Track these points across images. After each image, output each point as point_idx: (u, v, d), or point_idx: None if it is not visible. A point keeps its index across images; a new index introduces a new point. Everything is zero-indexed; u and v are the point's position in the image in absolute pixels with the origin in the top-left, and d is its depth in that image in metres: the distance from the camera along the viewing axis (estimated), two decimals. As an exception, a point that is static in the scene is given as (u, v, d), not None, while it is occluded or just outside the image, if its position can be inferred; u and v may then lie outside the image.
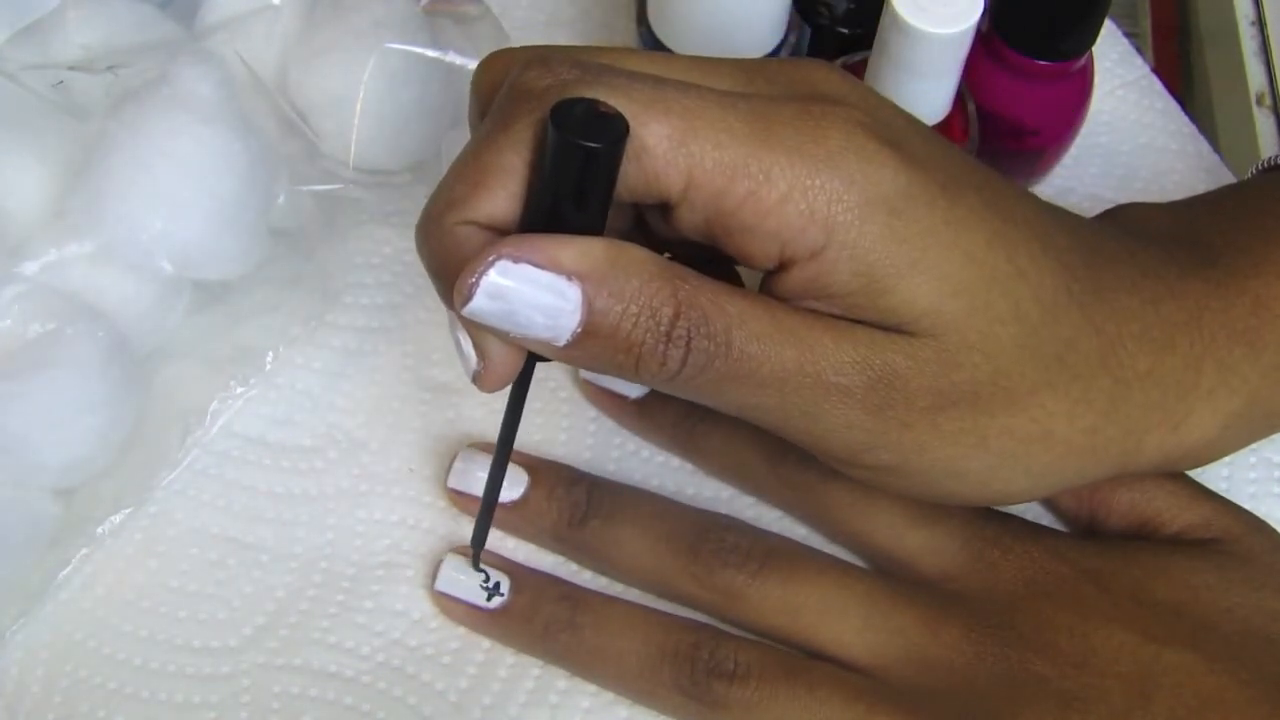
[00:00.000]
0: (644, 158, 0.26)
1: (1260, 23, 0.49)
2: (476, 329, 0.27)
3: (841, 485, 0.36)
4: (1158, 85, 0.47)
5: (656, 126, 0.26)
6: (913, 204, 0.27)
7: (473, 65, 0.40)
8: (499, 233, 0.27)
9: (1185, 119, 0.46)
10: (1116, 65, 0.47)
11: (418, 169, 0.42)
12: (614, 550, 0.36)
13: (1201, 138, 0.45)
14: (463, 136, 0.41)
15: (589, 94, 0.26)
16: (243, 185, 0.37)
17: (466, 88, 0.41)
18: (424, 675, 0.36)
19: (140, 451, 0.38)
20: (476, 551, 0.35)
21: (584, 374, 0.39)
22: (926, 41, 0.34)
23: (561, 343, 0.26)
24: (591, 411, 0.40)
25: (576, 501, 0.36)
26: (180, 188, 0.36)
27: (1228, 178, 0.45)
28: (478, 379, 0.28)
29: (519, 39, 0.44)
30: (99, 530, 0.37)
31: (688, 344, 0.27)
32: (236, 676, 0.36)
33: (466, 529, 0.38)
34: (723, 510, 0.37)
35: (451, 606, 0.36)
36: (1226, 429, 0.33)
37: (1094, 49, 0.39)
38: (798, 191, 0.26)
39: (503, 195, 0.26)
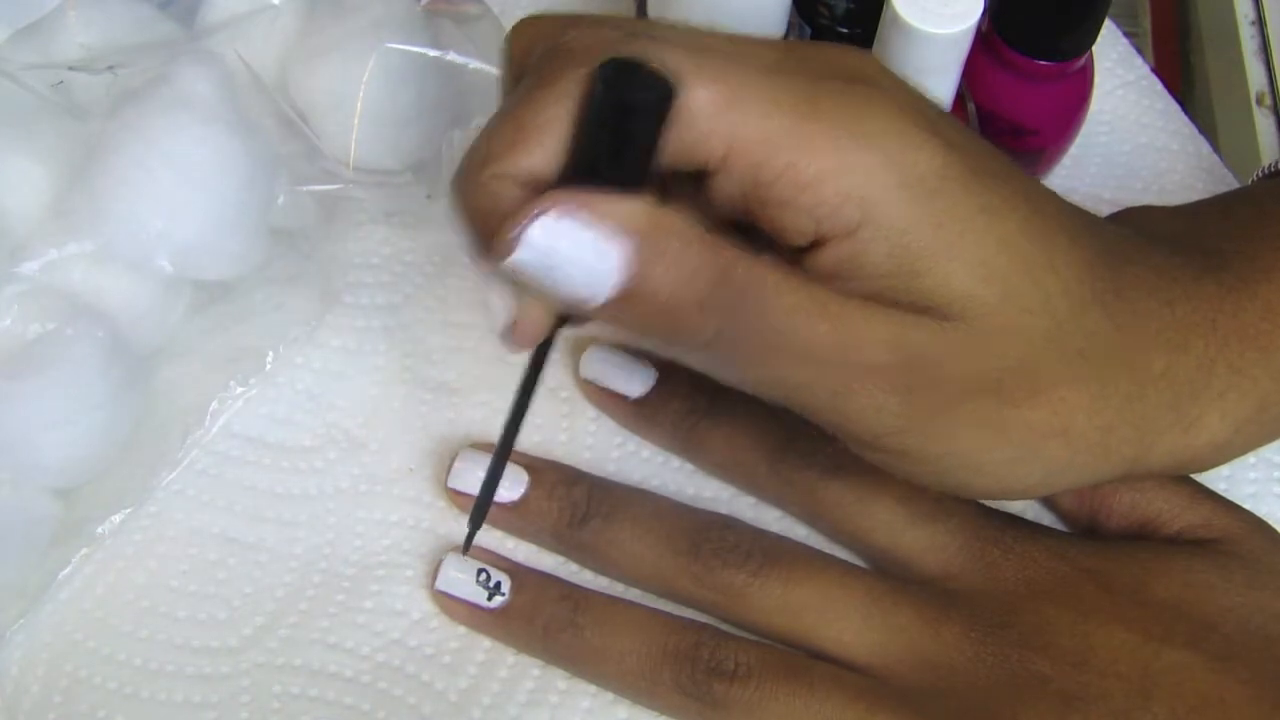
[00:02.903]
0: (687, 121, 0.26)
1: (1260, 23, 0.49)
2: (510, 285, 0.27)
3: (842, 484, 0.36)
4: (1158, 85, 0.47)
5: (702, 90, 0.26)
6: (950, 186, 0.27)
7: (473, 65, 0.40)
8: (538, 190, 0.26)
9: (1185, 119, 0.46)
10: (1116, 65, 0.47)
11: (418, 169, 0.42)
12: (614, 550, 0.36)
13: (1201, 138, 0.45)
14: (463, 137, 0.41)
15: (635, 53, 0.25)
16: (243, 185, 0.37)
17: (466, 88, 0.41)
18: (424, 675, 0.36)
19: (140, 451, 0.38)
20: (472, 531, 0.35)
21: (584, 373, 0.39)
22: (926, 41, 0.34)
23: (599, 302, 0.26)
24: (591, 411, 0.40)
25: (577, 501, 0.36)
26: (180, 188, 0.36)
27: (1227, 177, 0.44)
28: (506, 336, 0.28)
29: (519, 39, 0.44)
30: (99, 530, 0.37)
31: (723, 312, 0.26)
32: (236, 676, 0.36)
33: (466, 529, 0.38)
34: (723, 510, 0.37)
35: (452, 606, 0.36)
36: (1237, 433, 0.33)
37: (1094, 49, 0.39)
38: (838, 168, 0.26)
39: (541, 152, 0.26)
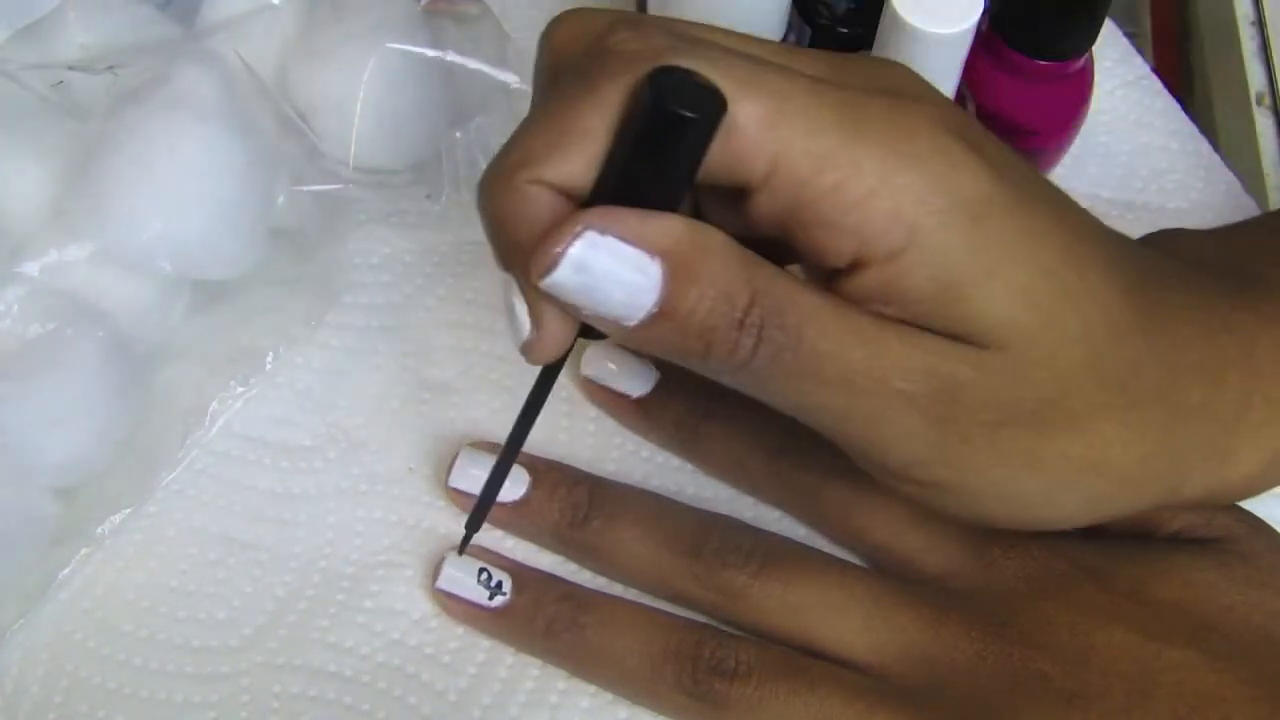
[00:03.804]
0: (733, 137, 0.25)
1: (1260, 23, 0.49)
2: (536, 298, 0.27)
3: (842, 484, 0.36)
4: (1158, 85, 0.47)
5: (749, 105, 0.25)
6: (994, 211, 0.26)
7: (473, 65, 0.40)
8: (570, 198, 0.26)
9: (1185, 119, 0.46)
10: (1116, 65, 0.47)
11: (418, 169, 0.42)
12: (615, 551, 0.36)
13: (1201, 138, 0.45)
14: (463, 136, 0.41)
15: (684, 64, 0.25)
16: (243, 185, 0.37)
17: (466, 88, 0.41)
18: (424, 675, 0.36)
19: (140, 451, 0.38)
20: (469, 535, 0.35)
21: (585, 371, 0.39)
22: (926, 41, 0.34)
23: (634, 322, 0.26)
24: (592, 411, 0.40)
25: (578, 502, 0.36)
26: (180, 188, 0.36)
27: (1228, 177, 0.44)
28: (529, 350, 0.28)
29: (519, 39, 0.44)
30: (99, 530, 0.37)
31: (759, 334, 0.26)
32: (236, 676, 0.36)
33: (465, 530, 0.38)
34: (723, 510, 0.37)
35: (453, 605, 0.36)
36: (1271, 465, 0.32)
37: (1094, 49, 0.39)
38: (885, 189, 0.26)
39: (580, 159, 0.25)
